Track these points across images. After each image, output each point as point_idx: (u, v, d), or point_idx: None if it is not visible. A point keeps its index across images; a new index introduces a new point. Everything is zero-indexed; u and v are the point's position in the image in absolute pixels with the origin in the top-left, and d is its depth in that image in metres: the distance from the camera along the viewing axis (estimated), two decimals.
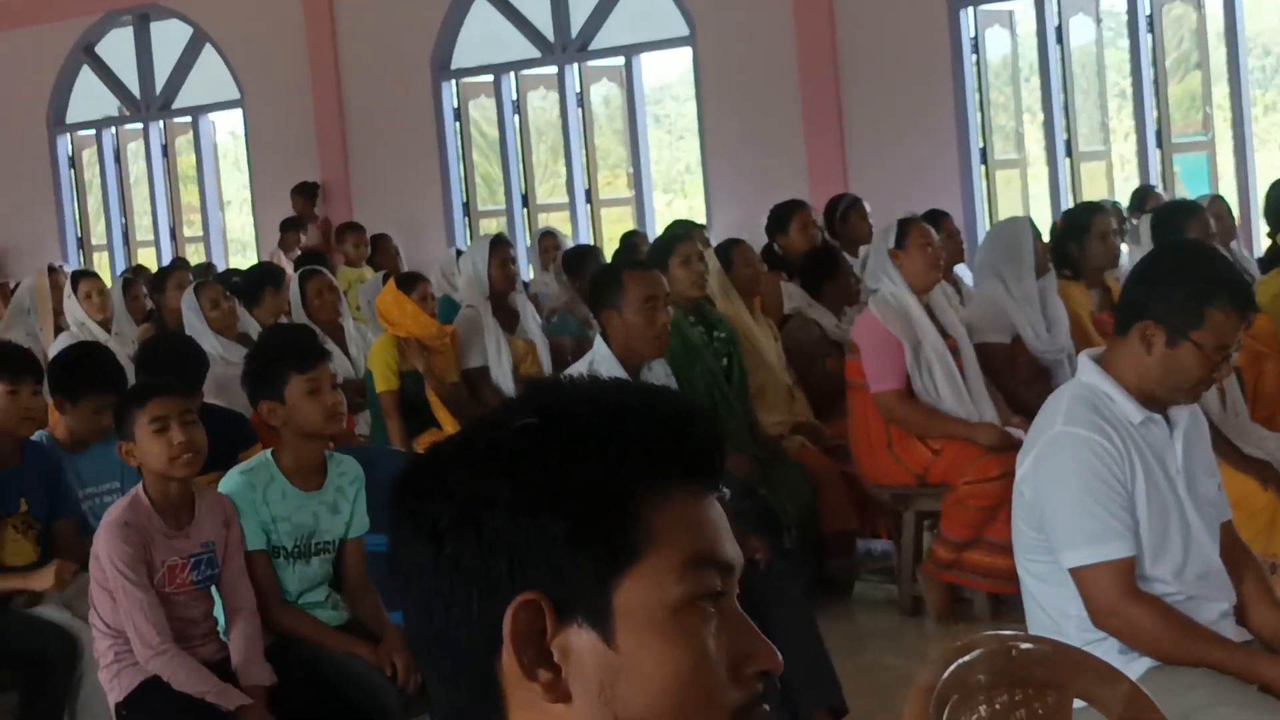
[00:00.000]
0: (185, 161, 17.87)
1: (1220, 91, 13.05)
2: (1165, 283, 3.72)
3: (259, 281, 9.57)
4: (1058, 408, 3.74)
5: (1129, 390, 3.68)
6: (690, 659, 1.43)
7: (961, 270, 9.18)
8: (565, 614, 1.42)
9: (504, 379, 8.31)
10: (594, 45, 15.05)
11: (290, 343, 5.26)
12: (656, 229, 13.92)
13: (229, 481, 4.84)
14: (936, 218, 8.31)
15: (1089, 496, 3.61)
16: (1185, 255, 3.95)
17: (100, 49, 17.92)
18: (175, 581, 4.61)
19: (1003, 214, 12.47)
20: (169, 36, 17.34)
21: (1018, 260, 7.29)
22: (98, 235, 18.47)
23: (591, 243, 14.38)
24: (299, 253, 13.53)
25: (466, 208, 15.83)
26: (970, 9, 12.94)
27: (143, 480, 4.67)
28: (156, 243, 17.94)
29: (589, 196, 15.33)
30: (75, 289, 9.79)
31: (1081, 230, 7.66)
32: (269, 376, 4.85)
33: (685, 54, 14.55)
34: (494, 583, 1.43)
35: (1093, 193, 12.50)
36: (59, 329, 10.34)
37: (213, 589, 4.74)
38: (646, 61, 15.14)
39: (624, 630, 1.42)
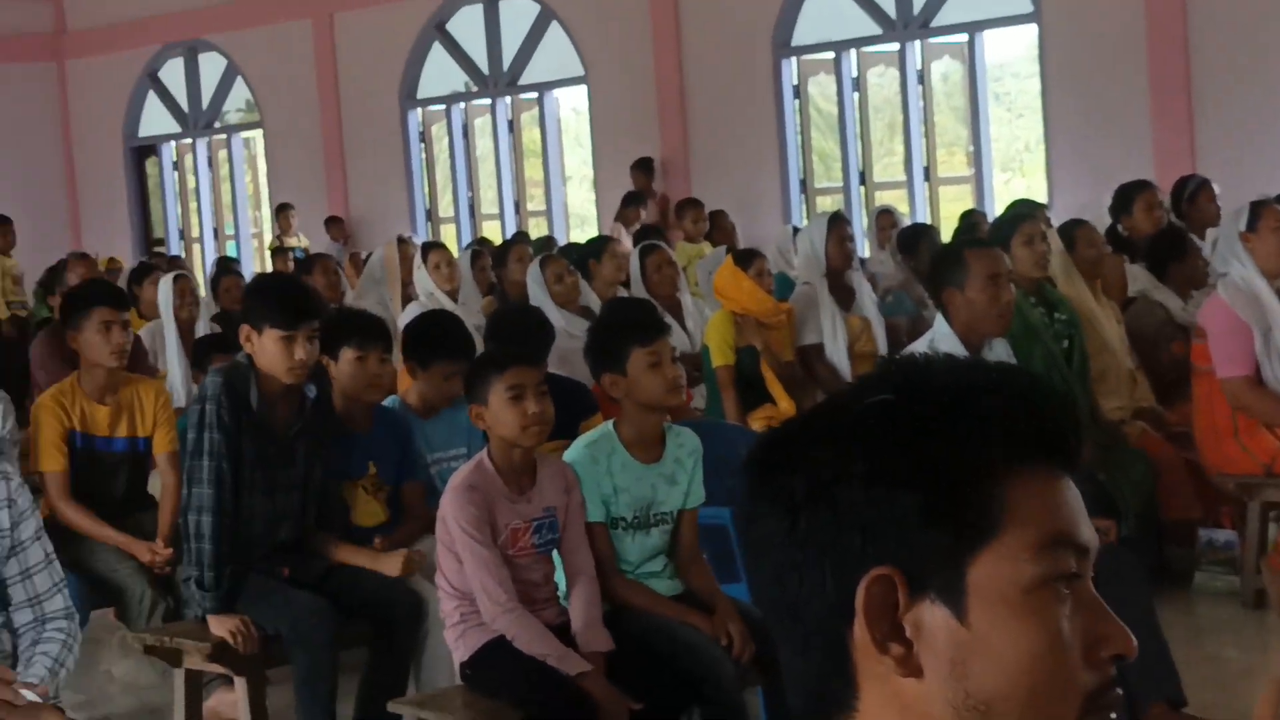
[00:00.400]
0: (529, 137, 18.25)
1: None
2: None
3: (596, 254, 9.75)
4: None
5: None
6: (1044, 640, 1.42)
7: None
8: (918, 589, 1.43)
9: (839, 356, 8.31)
10: (936, 22, 14.92)
11: (632, 316, 5.33)
12: (995, 208, 13.74)
13: (573, 453, 4.93)
14: None
15: None
16: None
17: (451, 26, 18.40)
18: (517, 544, 4.72)
19: None
20: (517, 14, 17.72)
21: None
22: (445, 208, 18.99)
23: (929, 221, 14.27)
24: (638, 227, 13.71)
25: (803, 185, 15.85)
26: None
27: (488, 446, 4.80)
28: (501, 216, 18.37)
29: (927, 174, 15.22)
30: (425, 260, 10.08)
31: None
32: (612, 349, 4.93)
33: (1029, 31, 14.32)
34: (847, 556, 1.44)
35: None
36: (408, 299, 10.67)
37: (553, 554, 4.85)
38: (989, 38, 14.95)
39: (977, 608, 1.42)
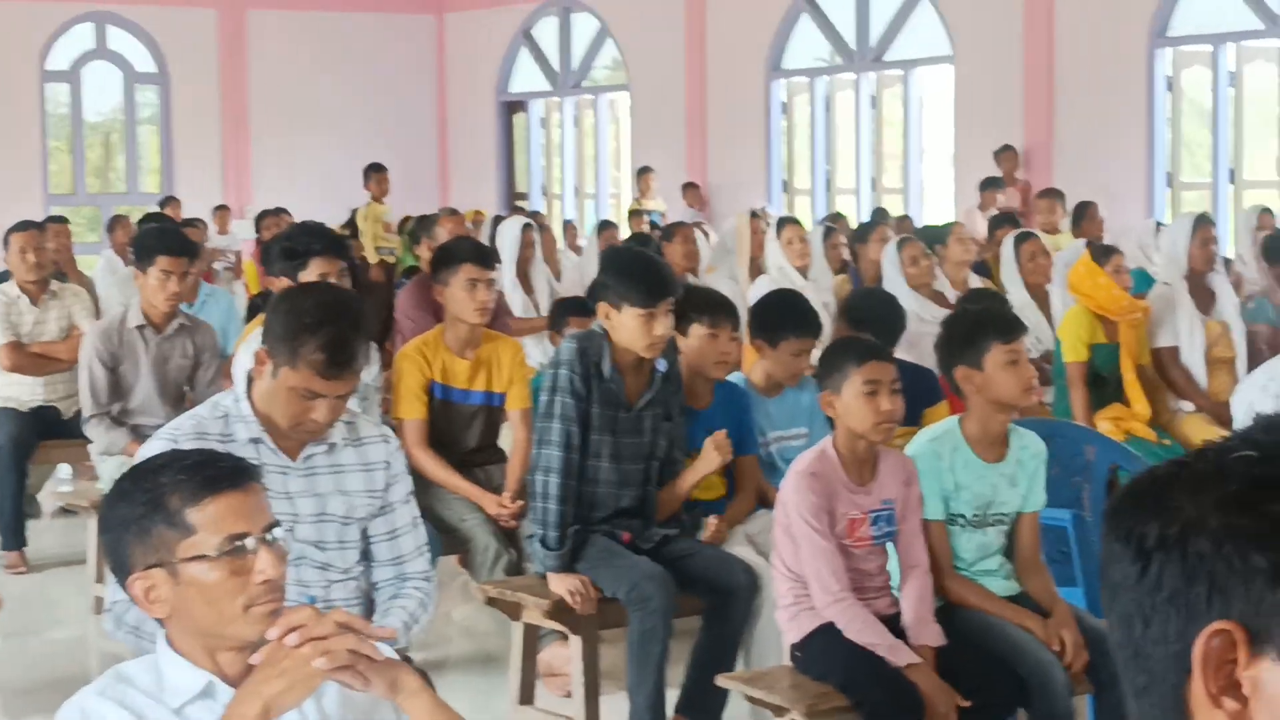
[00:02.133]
0: (891, 114, 18.18)
1: None
2: None
3: (942, 238, 9.73)
4: None
5: None
6: None
7: None
8: (1260, 647, 1.43)
9: (1195, 361, 8.13)
10: None
11: (993, 312, 5.31)
12: None
13: (916, 446, 4.94)
14: None
15: None
16: None
17: None
18: (854, 534, 4.75)
19: None
20: None
21: None
22: (801, 180, 19.04)
23: None
24: (994, 213, 13.57)
25: (1169, 178, 15.47)
26: None
27: (833, 433, 4.83)
28: (857, 191, 18.34)
29: None
30: (779, 234, 10.15)
31: None
32: (970, 342, 4.90)
33: None
34: (1193, 607, 1.45)
35: None
36: (757, 272, 10.77)
37: (888, 545, 4.87)
38: None
39: None
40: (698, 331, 5.92)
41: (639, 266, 5.51)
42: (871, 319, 6.57)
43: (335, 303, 4.09)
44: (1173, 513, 1.47)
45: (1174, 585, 1.46)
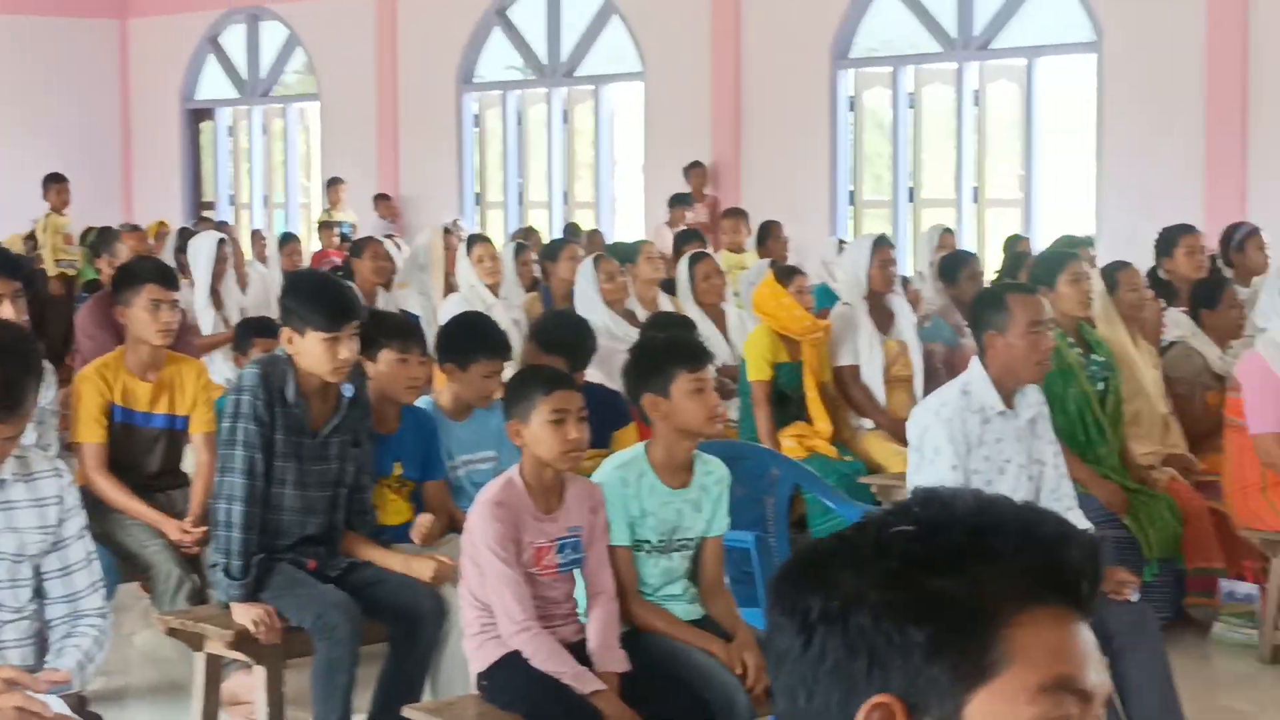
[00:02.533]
0: (582, 128, 18.30)
1: None
2: None
3: (632, 256, 9.85)
4: None
5: None
6: None
7: None
8: (917, 718, 1.48)
9: (874, 379, 8.35)
10: (995, 44, 14.92)
11: (680, 340, 5.36)
12: (1042, 234, 13.77)
13: (603, 474, 4.97)
14: None
15: None
16: None
17: (512, 12, 18.45)
18: (541, 563, 4.76)
19: None
20: (579, 5, 17.76)
21: None
22: (493, 193, 19.06)
23: (975, 241, 14.28)
24: (682, 229, 13.74)
25: (852, 196, 15.86)
26: None
27: (520, 462, 4.83)
28: (549, 204, 18.42)
29: (976, 195, 15.21)
30: (469, 252, 10.12)
31: None
32: (657, 370, 4.95)
33: (1089, 60, 14.30)
34: (854, 680, 1.48)
35: None
36: (450, 288, 10.73)
37: (575, 572, 4.89)
38: (1047, 64, 14.93)
39: None
40: (387, 356, 5.88)
41: (322, 290, 5.45)
42: (561, 343, 6.59)
43: (3, 342, 3.94)
44: (835, 587, 1.50)
45: (836, 658, 1.49)
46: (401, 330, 6.02)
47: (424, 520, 5.70)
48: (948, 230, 12.03)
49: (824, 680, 1.50)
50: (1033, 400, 5.66)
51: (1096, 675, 1.51)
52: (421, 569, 5.46)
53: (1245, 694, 6.68)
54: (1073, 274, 7.20)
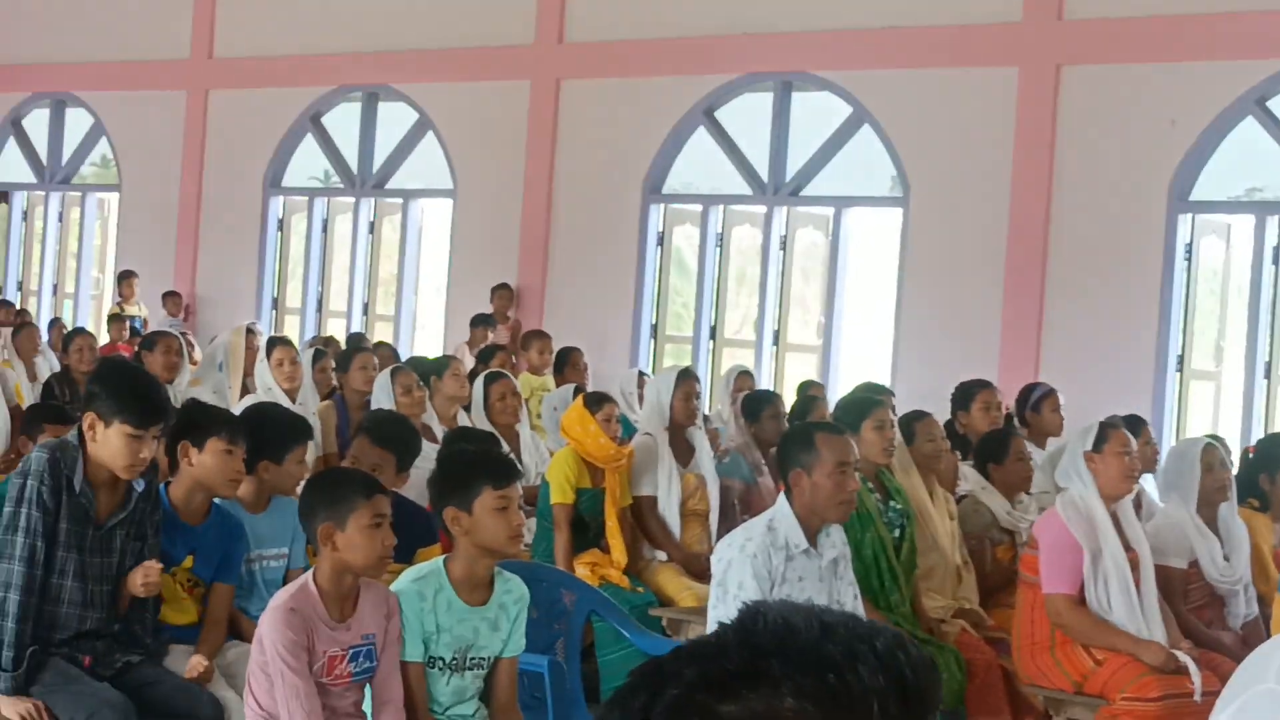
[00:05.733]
0: (389, 241, 18.18)
1: None
2: None
3: (438, 371, 9.74)
4: (1269, 663, 3.60)
5: None
6: None
7: (1146, 481, 8.99)
8: None
9: (670, 511, 8.31)
10: (805, 191, 15.14)
11: (488, 455, 5.27)
12: (838, 381, 13.90)
13: (401, 584, 4.86)
14: (1136, 425, 8.15)
15: None
16: None
17: (326, 119, 18.34)
18: (333, 672, 4.63)
19: (1191, 427, 12.30)
20: (394, 118, 17.71)
21: (1186, 484, 7.18)
22: (292, 298, 18.81)
23: (771, 383, 14.37)
24: (483, 348, 13.65)
25: (655, 330, 15.92)
26: (1190, 216, 12.83)
27: (315, 567, 4.70)
28: (349, 314, 18.23)
29: (776, 338, 15.35)
30: (269, 355, 9.94)
31: (1276, 463, 7.50)
32: (463, 484, 4.86)
33: (895, 214, 14.56)
34: None
35: None
36: (244, 390, 10.52)
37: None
38: (854, 215, 15.17)
39: None
40: (215, 447, 5.67)
41: (138, 385, 5.28)
42: (394, 437, 6.56)
43: None
44: (632, 713, 1.48)
45: None
46: (230, 423, 5.86)
47: (198, 664, 5.45)
48: (745, 371, 12.07)
49: None
50: (836, 541, 5.66)
51: None
52: (191, 664, 5.35)
53: None
54: (878, 420, 7.23)
